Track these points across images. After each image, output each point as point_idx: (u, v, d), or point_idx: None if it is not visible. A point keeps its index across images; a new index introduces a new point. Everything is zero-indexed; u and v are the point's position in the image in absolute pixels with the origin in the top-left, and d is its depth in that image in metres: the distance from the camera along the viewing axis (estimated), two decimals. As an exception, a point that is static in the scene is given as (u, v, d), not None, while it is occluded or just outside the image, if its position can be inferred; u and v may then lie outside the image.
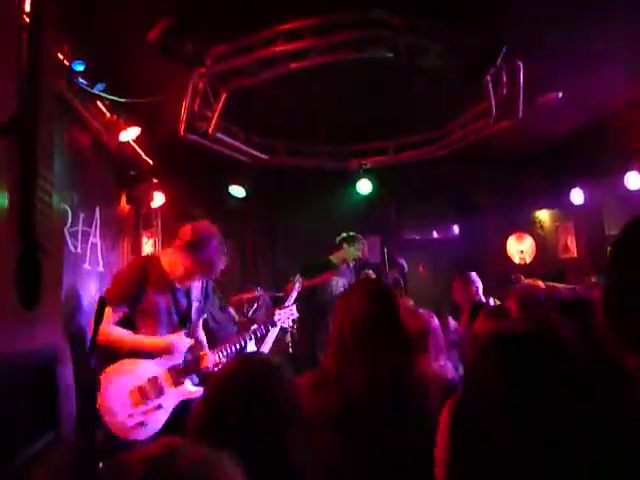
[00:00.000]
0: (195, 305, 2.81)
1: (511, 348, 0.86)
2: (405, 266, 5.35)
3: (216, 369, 2.69)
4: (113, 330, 2.48)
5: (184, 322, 2.75)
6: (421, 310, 2.38)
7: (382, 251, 4.74)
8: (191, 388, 2.67)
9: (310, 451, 1.05)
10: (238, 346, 2.90)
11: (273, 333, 3.54)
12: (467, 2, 3.05)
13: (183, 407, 2.61)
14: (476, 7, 3.09)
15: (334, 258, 4.56)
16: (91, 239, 3.84)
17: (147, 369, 2.54)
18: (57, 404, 1.14)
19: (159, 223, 5.35)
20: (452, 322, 3.31)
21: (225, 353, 2.81)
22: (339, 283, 4.44)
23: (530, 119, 4.26)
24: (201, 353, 2.76)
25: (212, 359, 2.72)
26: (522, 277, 4.61)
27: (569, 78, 4.09)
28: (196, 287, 2.83)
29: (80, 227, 3.67)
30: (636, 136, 4.90)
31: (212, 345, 2.94)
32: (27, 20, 1.17)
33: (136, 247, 4.92)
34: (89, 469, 1.36)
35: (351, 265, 4.54)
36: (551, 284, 4.26)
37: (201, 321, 3.02)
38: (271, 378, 1.06)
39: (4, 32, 1.10)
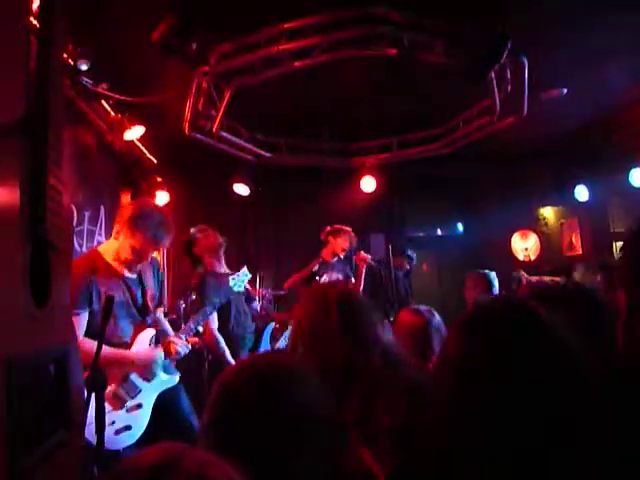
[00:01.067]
0: (149, 293, 2.69)
1: (474, 320, 0.82)
2: (414, 258, 5.35)
3: (184, 351, 2.65)
4: (85, 342, 2.29)
5: (143, 313, 2.64)
6: (422, 307, 2.34)
7: (387, 248, 4.73)
8: (164, 378, 2.62)
9: (325, 451, 1.03)
10: (198, 321, 2.85)
11: (288, 331, 3.55)
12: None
13: (162, 400, 2.56)
14: (480, 3, 3.07)
15: (325, 254, 4.57)
16: (96, 237, 3.87)
17: (116, 371, 2.45)
18: (69, 402, 1.15)
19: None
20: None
21: (188, 332, 2.76)
22: (332, 277, 4.44)
23: (534, 115, 4.24)
24: (167, 340, 2.66)
25: (178, 343, 2.64)
26: (524, 273, 4.58)
27: (574, 74, 4.08)
28: (147, 274, 2.72)
29: (85, 226, 3.69)
30: (641, 132, 4.88)
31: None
32: (35, 21, 1.18)
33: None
34: (99, 468, 1.38)
35: (342, 257, 4.54)
36: (546, 279, 4.23)
37: (159, 308, 2.92)
38: (283, 378, 1.04)
39: (13, 33, 1.10)
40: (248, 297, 3.77)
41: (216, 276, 3.57)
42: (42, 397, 1.06)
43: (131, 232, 2.48)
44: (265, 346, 3.44)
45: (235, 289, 3.10)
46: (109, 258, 2.54)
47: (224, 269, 3.70)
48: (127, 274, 2.60)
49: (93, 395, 1.81)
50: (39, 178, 1.07)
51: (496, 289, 3.94)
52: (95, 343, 2.30)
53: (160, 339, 2.67)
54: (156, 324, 2.74)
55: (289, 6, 3.16)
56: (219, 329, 3.41)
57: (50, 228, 1.11)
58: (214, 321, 3.40)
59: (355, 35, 3.24)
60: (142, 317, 2.63)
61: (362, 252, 4.57)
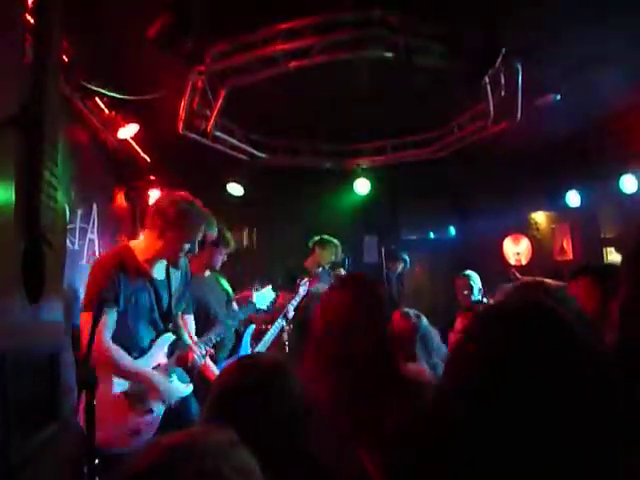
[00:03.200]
0: (176, 297, 2.62)
1: (496, 322, 0.78)
2: (408, 261, 5.35)
3: (202, 361, 2.61)
4: (114, 351, 2.27)
5: (166, 319, 2.56)
6: (411, 312, 2.37)
7: (380, 251, 4.75)
8: (180, 386, 2.56)
9: (324, 439, 1.05)
10: (218, 334, 2.81)
11: (270, 333, 3.52)
12: (467, 3, 3.06)
13: (174, 408, 2.48)
14: (475, 8, 3.10)
15: (308, 264, 4.54)
16: (89, 235, 3.84)
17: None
18: (59, 396, 1.15)
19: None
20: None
21: (207, 342, 2.71)
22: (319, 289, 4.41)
23: (527, 121, 4.28)
24: (185, 348, 2.60)
25: (196, 352, 2.58)
26: (518, 275, 4.62)
27: (566, 81, 4.12)
28: (175, 276, 2.63)
29: (78, 224, 3.67)
30: (632, 139, 4.93)
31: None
32: (31, 18, 1.18)
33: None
34: (90, 462, 1.37)
35: (327, 268, 4.50)
36: (548, 282, 4.28)
37: (182, 313, 2.85)
38: (282, 375, 1.06)
39: (8, 27, 1.10)
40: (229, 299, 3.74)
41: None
42: (34, 391, 1.06)
43: (177, 229, 2.37)
44: (245, 349, 3.40)
45: (258, 305, 3.12)
46: (141, 257, 2.42)
47: None
48: (156, 276, 2.50)
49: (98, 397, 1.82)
50: (35, 174, 1.06)
51: (478, 290, 4.09)
52: (126, 360, 2.30)
53: (178, 346, 2.61)
54: (176, 329, 2.68)
55: (286, 6, 3.17)
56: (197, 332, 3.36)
57: (45, 224, 1.10)
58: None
59: (351, 37, 3.26)
60: (164, 323, 2.55)
61: (341, 270, 4.54)
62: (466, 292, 4.09)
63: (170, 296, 2.58)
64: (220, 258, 3.41)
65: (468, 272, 4.26)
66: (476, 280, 4.21)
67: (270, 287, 3.21)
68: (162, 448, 0.65)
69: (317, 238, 4.59)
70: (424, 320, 2.30)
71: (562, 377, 0.66)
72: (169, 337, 2.57)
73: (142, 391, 2.39)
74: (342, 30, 3.23)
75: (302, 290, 3.74)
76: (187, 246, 2.46)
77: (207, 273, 3.42)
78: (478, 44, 3.15)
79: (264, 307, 3.20)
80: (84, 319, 2.24)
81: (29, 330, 1.10)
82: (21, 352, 1.00)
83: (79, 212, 3.70)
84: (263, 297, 3.20)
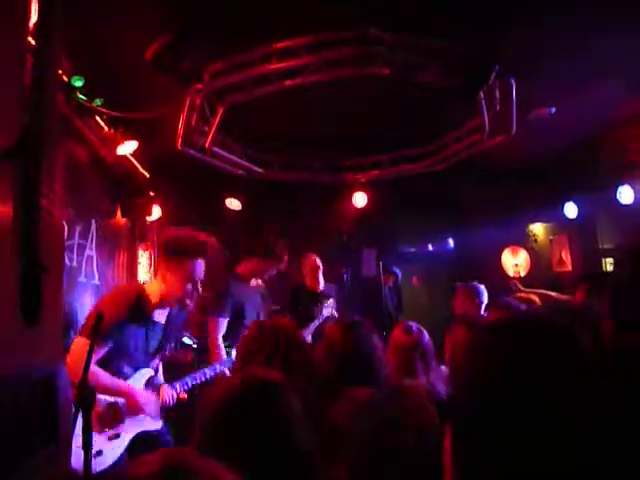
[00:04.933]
0: (169, 337, 2.66)
1: (507, 332, 0.76)
2: (399, 275, 5.31)
3: (171, 403, 2.57)
4: (99, 374, 2.27)
5: (151, 359, 2.59)
6: (414, 326, 2.36)
7: (377, 264, 4.76)
8: (149, 419, 2.53)
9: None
10: (198, 380, 2.75)
11: None
12: (461, 20, 3.11)
13: (143, 438, 2.46)
14: (470, 25, 3.14)
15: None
16: (87, 252, 3.86)
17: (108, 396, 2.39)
18: (57, 419, 1.15)
19: (155, 236, 5.37)
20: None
21: (183, 385, 2.67)
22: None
23: (524, 134, 4.31)
24: (161, 386, 2.60)
25: (169, 393, 2.57)
26: (519, 285, 4.62)
27: (562, 94, 4.16)
28: (179, 315, 2.69)
29: (76, 240, 3.69)
30: (629, 150, 4.96)
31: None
32: (32, 41, 1.20)
33: (132, 260, 4.93)
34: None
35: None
36: (545, 292, 4.28)
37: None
38: (272, 393, 1.08)
39: (8, 53, 1.12)
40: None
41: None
42: (30, 413, 1.06)
43: (173, 270, 2.38)
44: None
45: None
46: (154, 294, 2.44)
47: None
48: (157, 319, 2.53)
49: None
50: (32, 199, 1.08)
51: (484, 301, 3.98)
52: (104, 374, 2.30)
53: (153, 382, 2.60)
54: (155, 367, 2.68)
55: (281, 26, 3.21)
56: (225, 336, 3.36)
57: (42, 247, 1.12)
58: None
59: (347, 55, 3.29)
60: (147, 363, 2.56)
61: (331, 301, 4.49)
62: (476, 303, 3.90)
63: (162, 339, 2.60)
64: (269, 272, 3.47)
65: (475, 283, 4.08)
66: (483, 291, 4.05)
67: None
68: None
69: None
70: (426, 336, 2.28)
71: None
72: (147, 372, 2.57)
73: (114, 413, 2.38)
74: (338, 48, 3.27)
75: (326, 312, 3.74)
76: (189, 287, 2.45)
77: (253, 282, 3.45)
78: (472, 60, 3.18)
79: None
80: (80, 344, 2.21)
81: (27, 352, 1.11)
82: (19, 374, 1.01)
83: (77, 228, 3.72)
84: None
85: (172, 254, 2.44)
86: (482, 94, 3.56)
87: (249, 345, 1.69)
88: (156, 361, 2.69)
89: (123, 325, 2.33)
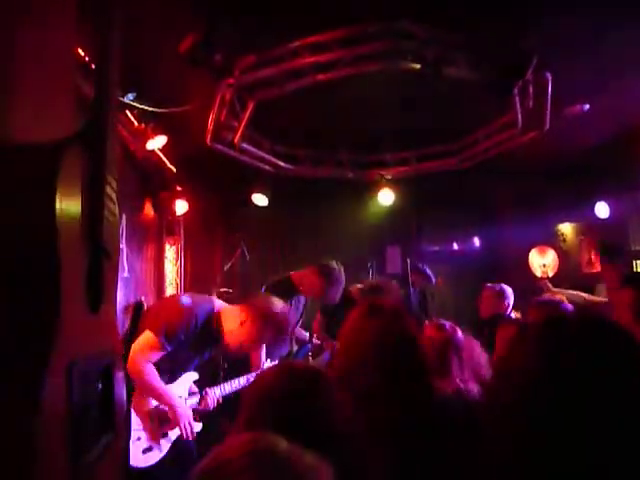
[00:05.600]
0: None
1: (555, 329, 0.74)
2: (432, 277, 5.07)
3: (212, 406, 2.65)
4: (152, 374, 2.34)
5: (192, 364, 2.68)
6: (447, 323, 2.32)
7: (403, 262, 4.71)
8: (194, 422, 2.59)
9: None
10: (236, 385, 2.81)
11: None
12: (497, 14, 3.05)
13: (183, 442, 2.53)
14: (505, 19, 3.09)
15: None
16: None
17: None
18: (115, 407, 1.16)
19: (182, 230, 5.42)
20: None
21: (223, 393, 2.75)
22: None
23: (555, 131, 4.23)
24: (204, 391, 2.69)
25: (212, 399, 2.66)
26: (550, 285, 4.54)
27: (596, 90, 4.06)
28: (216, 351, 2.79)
29: (107, 233, 3.74)
30: (663, 149, 4.83)
31: None
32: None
33: (160, 253, 4.98)
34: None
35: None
36: (577, 293, 4.19)
37: None
38: (316, 384, 1.08)
39: (65, 51, 1.13)
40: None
41: None
42: (94, 400, 1.08)
43: (251, 330, 2.49)
44: None
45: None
46: (227, 330, 2.51)
47: None
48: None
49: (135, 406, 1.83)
50: (98, 188, 1.10)
51: (511, 302, 3.90)
52: (159, 380, 2.36)
53: (198, 387, 2.70)
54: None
55: (313, 20, 3.20)
56: None
57: (105, 236, 1.14)
58: None
59: (378, 49, 3.27)
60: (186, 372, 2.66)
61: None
62: (504, 305, 3.85)
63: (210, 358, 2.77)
64: (318, 294, 3.55)
65: (502, 285, 4.02)
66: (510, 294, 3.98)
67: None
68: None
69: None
70: (459, 332, 2.23)
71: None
72: (193, 375, 2.66)
73: (163, 414, 2.45)
74: (369, 42, 3.24)
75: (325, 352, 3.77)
76: (248, 345, 2.60)
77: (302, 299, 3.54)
78: (508, 55, 3.13)
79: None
80: (149, 338, 2.29)
81: (91, 339, 1.12)
82: (85, 361, 1.03)
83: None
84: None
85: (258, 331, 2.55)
86: (516, 89, 3.49)
87: None
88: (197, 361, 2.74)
89: (185, 340, 2.38)
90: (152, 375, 2.32)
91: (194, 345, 2.47)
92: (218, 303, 2.60)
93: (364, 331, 1.63)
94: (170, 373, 2.50)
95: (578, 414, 0.64)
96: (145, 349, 2.26)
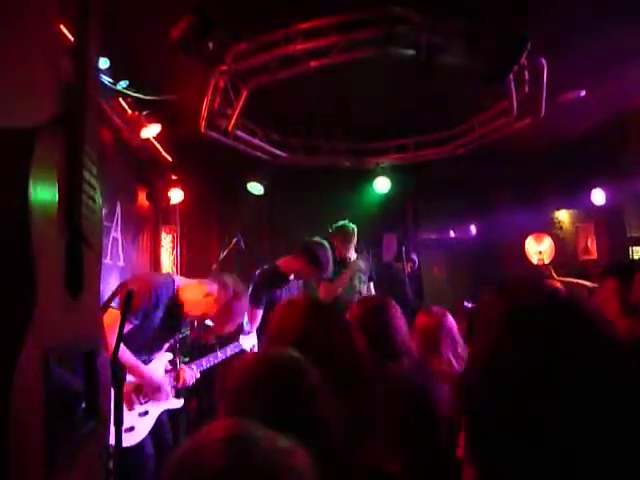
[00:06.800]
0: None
1: (522, 314, 0.73)
2: (416, 261, 5.20)
3: (191, 382, 2.70)
4: (125, 352, 2.33)
5: (167, 341, 2.72)
6: (435, 308, 2.36)
7: (399, 249, 4.71)
8: (174, 399, 2.67)
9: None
10: (213, 361, 2.87)
11: None
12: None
13: (164, 420, 2.60)
14: (499, 5, 3.06)
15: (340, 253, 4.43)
16: (112, 234, 3.90)
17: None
18: (98, 394, 1.17)
19: (178, 219, 5.41)
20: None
21: (199, 367, 2.80)
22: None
23: (551, 117, 4.20)
24: (180, 367, 2.74)
25: (189, 374, 2.70)
26: (553, 272, 4.55)
27: (592, 76, 4.03)
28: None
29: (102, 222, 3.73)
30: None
31: None
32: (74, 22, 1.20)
33: (155, 242, 4.98)
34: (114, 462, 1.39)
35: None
36: (578, 281, 4.20)
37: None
38: (297, 371, 1.08)
39: (46, 37, 1.12)
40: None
41: None
42: (75, 387, 1.08)
43: (217, 301, 2.52)
44: None
45: (243, 347, 3.17)
46: (186, 303, 2.53)
47: None
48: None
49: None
50: (75, 173, 1.09)
51: None
52: (129, 354, 2.37)
53: (173, 364, 2.74)
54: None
55: (306, 6, 3.17)
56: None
57: (84, 222, 1.13)
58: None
59: (372, 35, 3.24)
60: (161, 346, 2.68)
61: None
62: None
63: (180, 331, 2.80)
64: (308, 277, 3.58)
65: None
66: None
67: (254, 335, 3.27)
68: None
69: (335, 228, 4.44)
70: (449, 316, 2.27)
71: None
72: (168, 355, 2.72)
73: (140, 391, 2.49)
74: (363, 29, 3.21)
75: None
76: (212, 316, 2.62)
77: (292, 277, 3.51)
78: (502, 41, 3.10)
79: (247, 349, 3.21)
80: (113, 316, 2.25)
81: (70, 325, 1.12)
82: (63, 347, 1.03)
83: (103, 211, 3.76)
84: (248, 341, 3.23)
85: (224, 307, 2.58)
86: (511, 75, 3.46)
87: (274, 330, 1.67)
88: (170, 342, 2.79)
89: (153, 314, 2.40)
90: (125, 351, 2.32)
91: (162, 321, 2.47)
92: (178, 278, 2.63)
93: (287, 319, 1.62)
94: (144, 353, 2.52)
95: (542, 400, 0.64)
96: (111, 325, 2.24)
